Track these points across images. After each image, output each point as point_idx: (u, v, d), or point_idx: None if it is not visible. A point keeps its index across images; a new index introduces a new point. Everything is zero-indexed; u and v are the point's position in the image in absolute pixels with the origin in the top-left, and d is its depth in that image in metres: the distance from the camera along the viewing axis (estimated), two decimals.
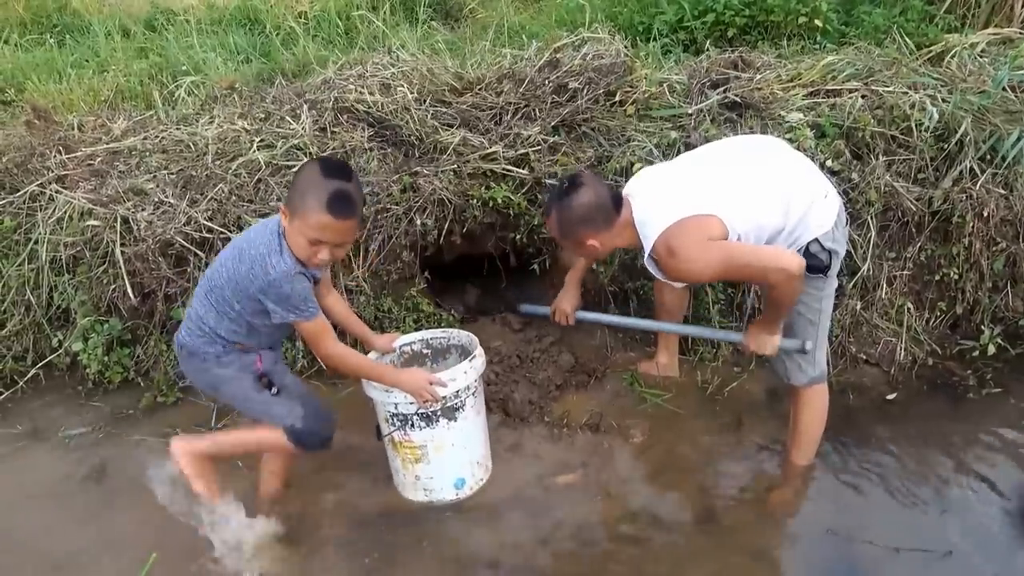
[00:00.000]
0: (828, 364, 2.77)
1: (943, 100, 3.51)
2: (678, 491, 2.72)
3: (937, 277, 3.41)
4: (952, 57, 4.01)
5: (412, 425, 2.48)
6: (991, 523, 2.53)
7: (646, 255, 2.36)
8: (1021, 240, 3.35)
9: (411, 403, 2.40)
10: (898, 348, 3.32)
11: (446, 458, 2.57)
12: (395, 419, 2.48)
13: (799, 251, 2.32)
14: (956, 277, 3.37)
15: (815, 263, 2.33)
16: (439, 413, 2.46)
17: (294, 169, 3.35)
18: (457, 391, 2.43)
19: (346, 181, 2.02)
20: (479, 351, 2.58)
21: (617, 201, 2.41)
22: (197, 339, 2.21)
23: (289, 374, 2.39)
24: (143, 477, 2.57)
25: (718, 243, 2.22)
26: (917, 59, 3.99)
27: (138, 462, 2.94)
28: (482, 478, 2.71)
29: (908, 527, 2.52)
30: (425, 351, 2.84)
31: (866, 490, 2.69)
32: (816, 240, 2.32)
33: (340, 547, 2.51)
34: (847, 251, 3.24)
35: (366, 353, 2.61)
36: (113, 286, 3.25)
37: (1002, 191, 3.30)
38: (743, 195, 2.28)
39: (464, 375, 2.45)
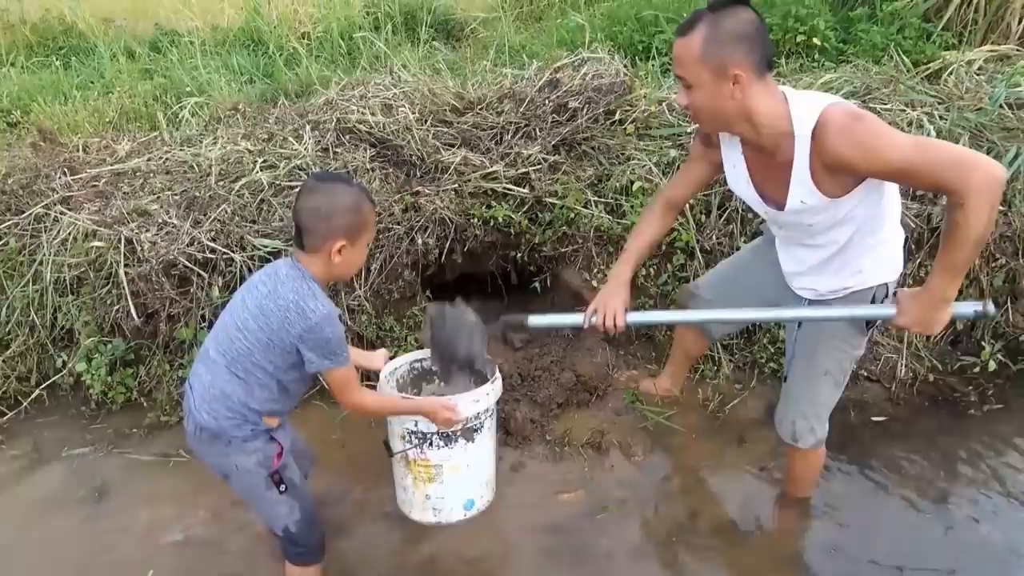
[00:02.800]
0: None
1: (941, 117, 3.54)
2: (680, 509, 2.72)
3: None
4: (949, 74, 4.04)
5: (431, 444, 2.47)
6: (995, 541, 2.52)
7: (806, 131, 1.84)
8: (1020, 256, 3.37)
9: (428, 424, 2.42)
10: (899, 364, 3.33)
11: (460, 478, 2.57)
12: (413, 436, 2.48)
13: (860, 291, 2.09)
14: (956, 293, 3.37)
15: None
16: (459, 433, 2.47)
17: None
18: (478, 413, 2.44)
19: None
20: (497, 375, 2.56)
21: (771, 62, 1.91)
22: (225, 421, 2.04)
23: (294, 465, 2.26)
24: (144, 497, 2.57)
25: (901, 136, 1.77)
26: (915, 76, 4.02)
27: (140, 482, 2.95)
28: (489, 500, 2.71)
29: (912, 545, 2.52)
30: (435, 369, 2.81)
31: (869, 508, 2.69)
32: (885, 285, 2.10)
33: (344, 566, 2.51)
34: None
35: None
36: (117, 307, 3.27)
37: (1001, 208, 3.31)
38: None
39: (487, 396, 2.45)
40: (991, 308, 1.94)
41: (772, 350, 3.35)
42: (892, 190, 2.00)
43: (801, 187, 1.92)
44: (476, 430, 2.49)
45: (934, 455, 2.93)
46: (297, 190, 2.13)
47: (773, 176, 1.99)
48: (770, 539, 2.61)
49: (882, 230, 2.04)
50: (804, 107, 1.85)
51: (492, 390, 2.48)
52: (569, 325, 2.45)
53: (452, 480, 2.55)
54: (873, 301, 2.10)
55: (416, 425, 2.44)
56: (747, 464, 2.90)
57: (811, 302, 2.22)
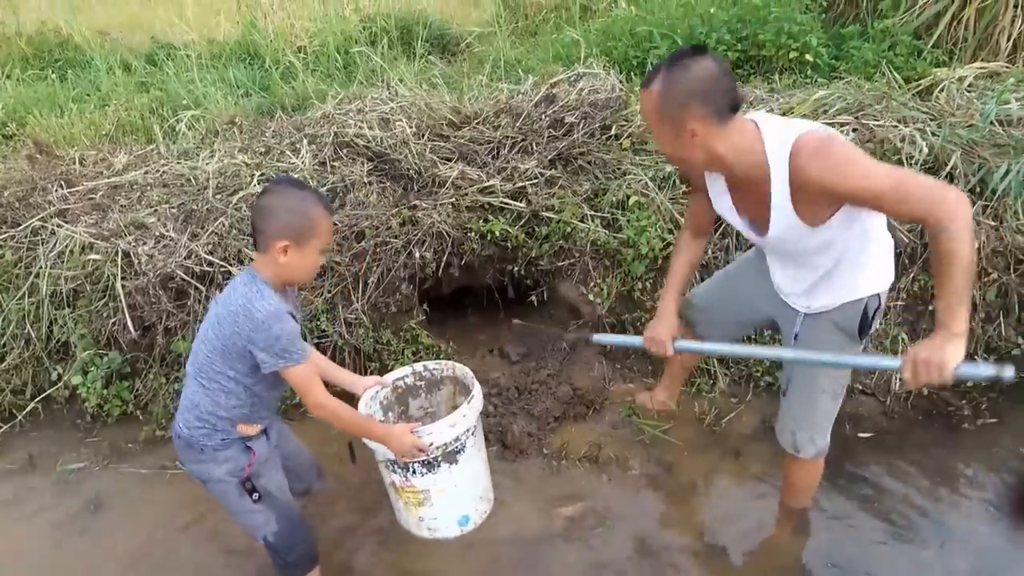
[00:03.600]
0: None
1: (932, 133, 3.57)
2: (677, 523, 2.72)
3: (930, 307, 3.44)
4: (941, 91, 4.08)
5: (413, 472, 2.42)
6: (990, 554, 2.53)
7: (781, 161, 1.87)
8: (1012, 271, 3.39)
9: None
10: (893, 378, 3.35)
11: (449, 499, 2.52)
12: (395, 465, 2.43)
13: (852, 302, 2.11)
14: (966, 327, 3.40)
15: (865, 324, 2.12)
16: (440, 459, 2.40)
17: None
18: (457, 436, 2.38)
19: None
20: (477, 390, 2.50)
21: (737, 102, 1.91)
22: (196, 431, 2.10)
23: (275, 476, 2.25)
24: (139, 510, 2.57)
25: (872, 163, 1.79)
26: (906, 93, 4.06)
27: (135, 495, 2.94)
28: (486, 511, 2.68)
29: (907, 559, 2.53)
30: (419, 383, 2.81)
31: (864, 522, 2.70)
32: (877, 295, 2.12)
33: None
34: None
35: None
36: (113, 319, 3.27)
37: (992, 223, 3.34)
38: None
39: (464, 419, 2.38)
40: (1009, 373, 1.75)
41: (768, 363, 3.37)
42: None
43: (781, 214, 1.95)
44: (458, 451, 2.42)
45: (929, 469, 2.94)
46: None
47: (755, 203, 2.01)
48: (767, 553, 2.62)
49: (869, 248, 2.07)
50: (777, 136, 1.88)
51: (469, 411, 2.41)
52: (629, 345, 2.74)
53: (441, 502, 2.51)
54: (865, 311, 2.12)
55: (388, 452, 2.38)
56: (743, 477, 2.91)
57: (805, 315, 2.24)
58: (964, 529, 2.65)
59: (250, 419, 2.14)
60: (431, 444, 2.31)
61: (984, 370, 1.76)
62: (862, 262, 2.07)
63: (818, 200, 1.89)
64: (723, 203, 2.18)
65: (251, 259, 3.12)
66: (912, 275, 3.39)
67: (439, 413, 2.84)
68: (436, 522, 2.57)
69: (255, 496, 2.18)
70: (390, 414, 2.76)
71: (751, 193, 2.01)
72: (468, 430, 2.43)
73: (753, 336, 3.31)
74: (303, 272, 2.07)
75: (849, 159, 1.78)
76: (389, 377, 2.70)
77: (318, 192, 2.07)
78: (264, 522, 2.20)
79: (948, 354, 1.72)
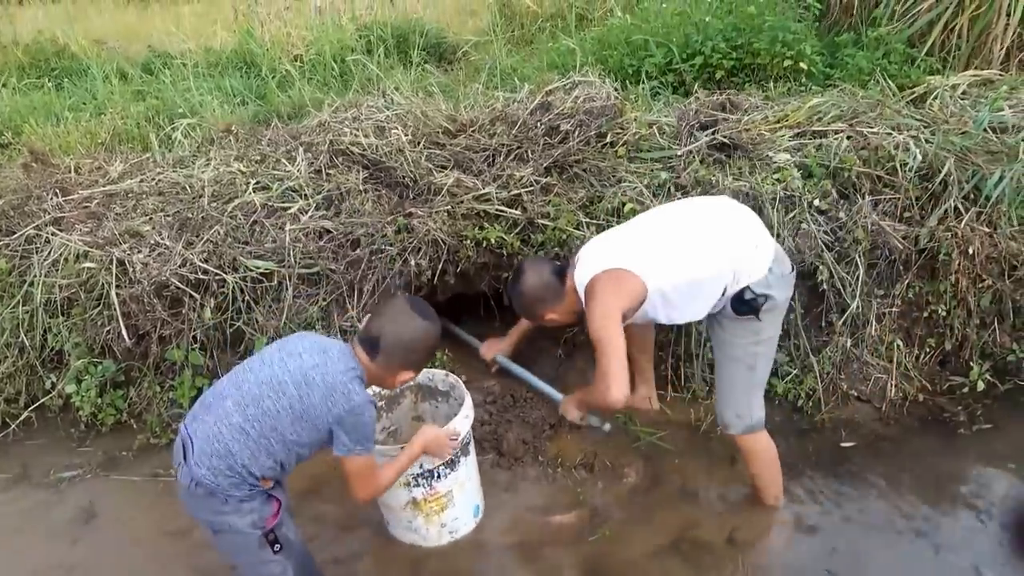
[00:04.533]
0: (820, 408, 2.88)
1: (926, 141, 3.59)
2: (673, 530, 2.72)
3: (925, 314, 3.45)
4: (934, 99, 4.10)
5: (438, 477, 2.51)
6: (985, 560, 2.53)
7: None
8: (1007, 277, 3.40)
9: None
10: (889, 384, 3.35)
11: (466, 493, 2.64)
12: (419, 479, 2.49)
13: (733, 295, 2.46)
14: (944, 313, 3.41)
15: (749, 306, 2.46)
16: (458, 453, 2.52)
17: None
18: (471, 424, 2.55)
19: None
20: (466, 402, 2.59)
21: (561, 273, 2.63)
22: (224, 479, 1.96)
23: (291, 521, 2.21)
24: (132, 519, 2.55)
25: (614, 315, 2.36)
26: (900, 101, 4.08)
27: (129, 504, 2.93)
28: (482, 502, 2.79)
29: (903, 566, 2.52)
30: (379, 404, 2.84)
31: (861, 528, 2.70)
32: (748, 287, 2.45)
33: None
34: (837, 291, 3.30)
35: None
36: (108, 328, 3.26)
37: (986, 229, 3.35)
38: (669, 253, 2.45)
39: (471, 414, 2.56)
40: (607, 428, 3.08)
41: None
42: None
43: None
44: (468, 442, 2.58)
45: (925, 475, 2.94)
46: (389, 303, 2.26)
47: None
48: (763, 561, 2.62)
49: (700, 288, 2.46)
50: (582, 292, 2.52)
51: (470, 408, 2.57)
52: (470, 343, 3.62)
53: (461, 499, 2.61)
54: (742, 300, 2.47)
55: (422, 467, 2.45)
56: (738, 483, 2.91)
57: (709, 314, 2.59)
58: (960, 535, 2.65)
59: (274, 478, 2.08)
60: (459, 437, 2.46)
61: (598, 422, 3.07)
62: (707, 290, 2.47)
63: None
64: None
65: (279, 272, 3.23)
66: (906, 282, 3.40)
67: (401, 429, 2.90)
68: (457, 522, 2.66)
69: (276, 548, 2.09)
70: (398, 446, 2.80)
71: None
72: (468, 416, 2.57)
73: None
74: (397, 387, 2.37)
75: (597, 304, 2.39)
76: None
77: (436, 319, 2.21)
78: (280, 572, 2.12)
79: (572, 415, 2.89)
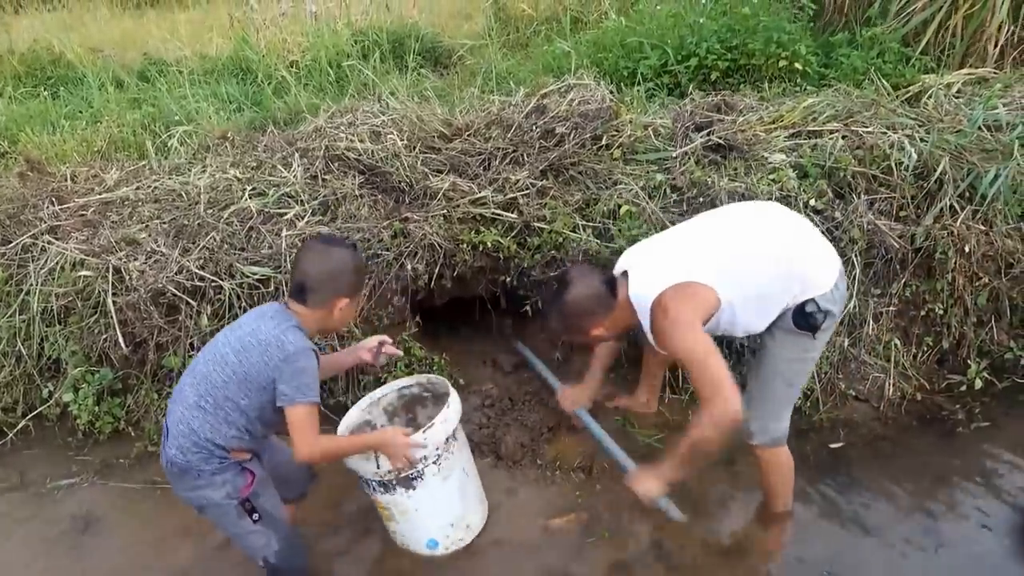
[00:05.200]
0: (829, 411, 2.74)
1: (921, 140, 3.59)
2: (671, 532, 2.71)
3: (922, 312, 3.45)
4: (929, 97, 4.11)
5: (373, 489, 2.48)
6: (985, 559, 2.52)
7: (646, 325, 2.33)
8: (1003, 275, 3.40)
9: (369, 468, 2.38)
10: (887, 384, 3.35)
11: (412, 522, 2.55)
12: (361, 481, 2.50)
13: (796, 306, 2.31)
14: (941, 312, 3.42)
15: (809, 322, 2.31)
16: (394, 482, 2.42)
17: (303, 228, 3.38)
18: (420, 460, 2.39)
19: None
20: (439, 417, 2.43)
21: (611, 284, 2.40)
22: (192, 455, 2.09)
23: (272, 493, 2.27)
24: (130, 526, 2.55)
25: (698, 326, 2.20)
26: (895, 100, 4.08)
27: (126, 511, 2.93)
28: (462, 538, 2.63)
29: (903, 565, 2.52)
30: (425, 394, 2.82)
31: (860, 528, 2.69)
32: (813, 300, 2.30)
33: None
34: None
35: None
36: (104, 336, 3.25)
37: (982, 227, 3.36)
38: (736, 263, 2.29)
39: (441, 427, 2.40)
40: (675, 515, 2.52)
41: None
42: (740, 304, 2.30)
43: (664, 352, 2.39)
44: (414, 478, 2.42)
45: (923, 474, 2.94)
46: (300, 249, 2.28)
47: None
48: (763, 561, 2.61)
49: (765, 300, 2.32)
50: (643, 310, 2.32)
51: (423, 439, 2.36)
52: (544, 378, 3.17)
53: (405, 522, 2.55)
54: (801, 311, 2.32)
55: (358, 471, 2.42)
56: (737, 485, 2.90)
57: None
58: (959, 533, 2.64)
59: (245, 448, 2.16)
60: (424, 449, 2.35)
61: (667, 506, 2.51)
62: (770, 303, 2.33)
63: None
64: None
65: (275, 278, 3.20)
66: (903, 281, 3.40)
67: None
68: (405, 539, 2.62)
69: (255, 516, 2.17)
70: (396, 419, 2.81)
71: None
72: (427, 459, 2.41)
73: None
74: (346, 322, 2.33)
75: (678, 324, 2.19)
76: (355, 408, 2.69)
77: (354, 245, 2.23)
78: (264, 543, 2.20)
79: (656, 489, 2.37)
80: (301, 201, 3.54)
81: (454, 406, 2.49)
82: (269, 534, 2.20)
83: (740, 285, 2.26)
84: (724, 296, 2.24)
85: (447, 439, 2.45)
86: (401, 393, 2.80)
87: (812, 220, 3.32)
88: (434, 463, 2.44)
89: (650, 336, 2.35)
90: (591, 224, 3.44)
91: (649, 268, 2.35)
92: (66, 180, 4.17)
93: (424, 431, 2.36)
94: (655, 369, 3.19)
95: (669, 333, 2.21)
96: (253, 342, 2.08)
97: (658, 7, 5.49)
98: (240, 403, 2.08)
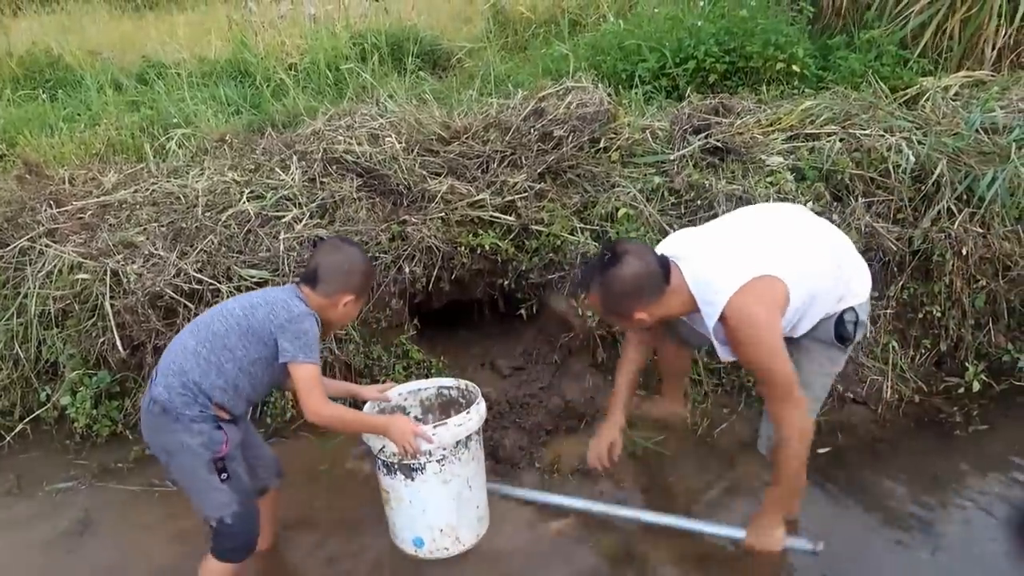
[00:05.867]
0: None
1: (919, 142, 3.60)
2: (671, 535, 2.70)
3: (920, 315, 3.45)
4: (926, 100, 4.12)
5: (378, 467, 2.51)
6: (983, 560, 2.52)
7: (713, 320, 2.12)
8: (1000, 277, 3.41)
9: (377, 444, 2.42)
10: (885, 386, 3.35)
11: (403, 512, 2.54)
12: (369, 455, 2.52)
13: (835, 316, 2.24)
14: (939, 314, 3.42)
15: (843, 332, 2.24)
16: (396, 467, 2.45)
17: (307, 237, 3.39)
18: (425, 453, 2.40)
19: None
20: (455, 419, 2.43)
21: (667, 268, 2.18)
22: (177, 396, 2.13)
23: (242, 463, 2.29)
24: (128, 529, 2.54)
25: (779, 334, 2.07)
26: (893, 102, 4.09)
27: (124, 514, 2.92)
28: (447, 548, 2.59)
29: (901, 567, 2.52)
30: (460, 399, 2.82)
31: (858, 531, 2.69)
32: (852, 308, 2.23)
33: None
34: None
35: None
36: (102, 339, 3.25)
37: (979, 230, 3.37)
38: (800, 256, 2.15)
39: (461, 430, 2.42)
40: (820, 547, 2.32)
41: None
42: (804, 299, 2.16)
43: (723, 351, 2.25)
44: (415, 469, 2.43)
45: (921, 476, 2.93)
46: (320, 244, 2.46)
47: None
48: (761, 563, 2.60)
49: (816, 299, 2.19)
50: (707, 303, 2.12)
51: (434, 434, 2.37)
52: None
53: (399, 510, 2.55)
54: (841, 320, 2.25)
55: (368, 442, 2.47)
56: (737, 488, 2.90)
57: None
58: (957, 536, 2.64)
59: (225, 407, 2.20)
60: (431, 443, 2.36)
61: (804, 545, 2.33)
62: (818, 306, 2.21)
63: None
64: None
65: (273, 283, 3.21)
66: (901, 283, 3.40)
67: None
68: (395, 528, 2.63)
69: (224, 476, 2.19)
70: (430, 415, 2.85)
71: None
72: (431, 454, 2.42)
73: None
74: (347, 321, 2.42)
75: (762, 333, 2.05)
76: (394, 391, 2.73)
77: (368, 254, 2.38)
78: (227, 503, 2.20)
79: (779, 534, 2.27)
80: (299, 204, 3.54)
81: (475, 415, 2.49)
82: (232, 496, 2.21)
83: (806, 282, 2.12)
84: (795, 293, 2.09)
85: (457, 443, 2.44)
86: (440, 391, 2.83)
87: None
88: (438, 462, 2.45)
89: (711, 330, 2.16)
90: (589, 227, 3.45)
91: (714, 255, 2.17)
92: (64, 183, 4.17)
93: (435, 426, 2.38)
94: (678, 371, 3.00)
95: (755, 340, 2.05)
96: (261, 302, 2.21)
97: (656, 10, 5.51)
98: (236, 353, 2.16)
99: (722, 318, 2.08)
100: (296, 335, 2.15)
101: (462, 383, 2.79)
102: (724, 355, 2.25)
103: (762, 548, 2.25)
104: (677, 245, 2.29)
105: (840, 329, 2.24)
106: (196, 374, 2.14)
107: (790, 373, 2.07)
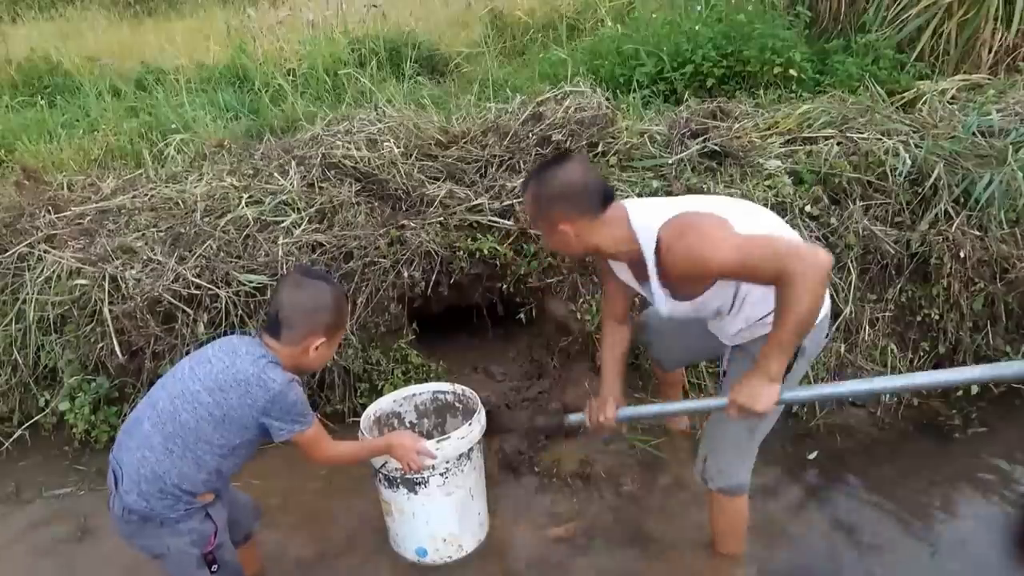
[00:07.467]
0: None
1: (916, 146, 3.60)
2: (670, 540, 2.70)
3: (918, 318, 3.45)
4: (923, 104, 4.13)
5: (379, 481, 2.49)
6: (981, 563, 2.52)
7: (650, 250, 2.00)
8: (998, 280, 3.41)
9: (378, 460, 2.40)
10: None
11: (407, 523, 2.54)
12: (372, 471, 2.50)
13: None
14: (937, 317, 3.42)
15: None
16: (399, 481, 2.43)
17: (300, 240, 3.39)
18: (430, 468, 2.38)
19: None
20: (458, 432, 2.42)
21: (608, 196, 2.08)
22: (157, 503, 1.94)
23: (230, 545, 2.18)
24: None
25: (730, 227, 1.91)
26: (890, 106, 4.10)
27: None
28: (451, 555, 2.60)
29: (900, 570, 2.52)
30: (457, 405, 2.83)
31: (856, 534, 2.68)
32: None
33: None
34: (830, 296, 3.30)
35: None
36: (101, 345, 3.25)
37: (977, 233, 3.36)
38: (753, 224, 2.00)
39: (463, 443, 2.41)
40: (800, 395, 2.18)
41: None
42: None
43: (662, 298, 2.11)
44: (418, 483, 2.42)
45: (920, 479, 2.93)
46: (280, 280, 2.20)
47: (646, 277, 2.11)
48: (761, 565, 2.60)
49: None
50: (645, 229, 2.01)
51: (437, 448, 2.35)
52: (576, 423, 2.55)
53: (401, 521, 2.54)
54: None
55: (385, 461, 2.42)
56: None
57: (731, 347, 2.29)
58: (955, 539, 2.64)
59: (211, 490, 2.07)
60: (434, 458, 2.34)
61: (791, 397, 2.08)
62: (768, 296, 1.99)
63: (689, 281, 2.03)
64: (626, 276, 2.28)
65: (272, 286, 3.15)
66: (899, 286, 3.40)
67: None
68: (397, 538, 2.62)
69: (214, 568, 2.08)
70: (425, 420, 2.85)
71: (640, 271, 2.12)
72: (434, 468, 2.40)
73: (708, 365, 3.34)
74: (322, 362, 2.15)
75: (700, 246, 1.88)
76: (388, 397, 2.74)
77: (339, 284, 2.16)
78: None
79: (765, 390, 1.95)
80: (298, 209, 3.54)
81: (476, 427, 2.47)
82: None
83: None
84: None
85: (460, 456, 2.44)
86: (435, 396, 2.83)
87: (808, 226, 3.36)
88: (441, 475, 2.43)
89: (655, 282, 2.05)
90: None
91: (665, 204, 2.07)
92: (63, 189, 4.18)
93: (439, 441, 2.36)
94: (673, 387, 3.13)
95: (696, 255, 1.89)
96: (231, 381, 1.94)
97: (654, 15, 5.52)
98: (215, 442, 1.96)
99: (658, 248, 1.97)
100: (284, 411, 1.97)
101: (458, 388, 2.78)
102: (670, 307, 2.12)
103: (755, 409, 1.96)
104: (628, 202, 2.18)
105: None
106: (174, 476, 1.94)
107: (774, 240, 1.88)
